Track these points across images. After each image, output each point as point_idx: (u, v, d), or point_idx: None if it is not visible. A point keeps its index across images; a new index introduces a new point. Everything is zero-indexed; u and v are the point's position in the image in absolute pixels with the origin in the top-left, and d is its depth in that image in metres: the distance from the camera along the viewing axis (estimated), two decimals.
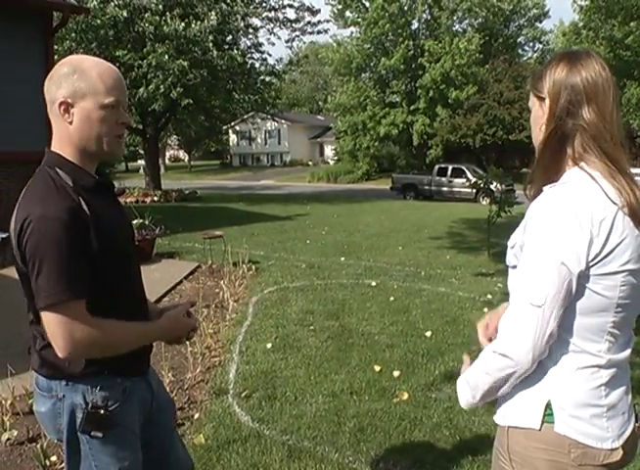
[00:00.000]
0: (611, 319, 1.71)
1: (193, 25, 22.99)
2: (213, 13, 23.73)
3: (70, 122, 2.00)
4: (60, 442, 2.12)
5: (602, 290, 1.67)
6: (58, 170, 2.00)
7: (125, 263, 2.12)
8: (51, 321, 1.88)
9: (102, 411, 2.00)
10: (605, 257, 1.65)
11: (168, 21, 22.65)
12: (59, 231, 1.85)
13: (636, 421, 1.85)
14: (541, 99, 1.81)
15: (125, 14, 22.14)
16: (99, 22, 22.02)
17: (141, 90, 23.24)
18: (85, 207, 1.95)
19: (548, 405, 1.73)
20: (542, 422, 1.72)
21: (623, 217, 1.66)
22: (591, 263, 1.64)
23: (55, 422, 2.07)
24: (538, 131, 1.83)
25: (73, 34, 22.43)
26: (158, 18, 22.76)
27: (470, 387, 1.88)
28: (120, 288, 2.07)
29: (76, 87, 1.97)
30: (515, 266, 1.79)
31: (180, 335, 2.28)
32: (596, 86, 1.75)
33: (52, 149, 2.06)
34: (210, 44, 23.57)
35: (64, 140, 2.04)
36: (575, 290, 1.66)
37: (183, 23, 22.73)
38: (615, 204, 1.66)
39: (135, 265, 2.24)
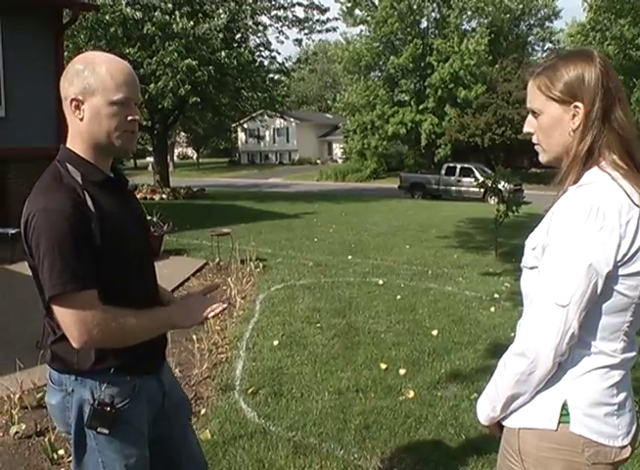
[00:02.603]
0: (628, 319, 1.72)
1: (202, 24, 23.01)
2: (222, 10, 23.74)
3: (81, 119, 2.02)
4: (68, 435, 2.13)
5: (625, 290, 1.68)
6: (68, 165, 2.03)
7: (133, 260, 2.13)
8: (60, 312, 1.91)
9: (108, 409, 2.02)
10: (631, 258, 1.65)
11: (177, 19, 22.64)
12: (60, 223, 1.87)
13: (639, 418, 1.87)
14: (565, 102, 1.76)
15: (139, 14, 22.13)
16: (107, 18, 22.04)
17: (151, 86, 23.26)
18: (90, 202, 1.97)
19: (564, 405, 1.73)
20: (559, 422, 1.72)
21: None
22: (618, 264, 1.65)
23: (64, 415, 2.09)
24: (559, 136, 1.78)
25: (84, 31, 22.49)
26: (167, 17, 22.75)
27: (489, 399, 1.87)
28: (128, 285, 2.08)
29: (86, 84, 1.99)
30: (533, 267, 1.78)
31: (197, 316, 2.18)
32: (620, 87, 1.75)
33: (67, 145, 2.09)
34: (220, 42, 23.59)
35: (76, 136, 2.07)
36: (601, 290, 1.66)
37: (192, 22, 22.73)
38: (637, 205, 1.66)
39: (146, 262, 2.25)
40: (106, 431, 2.02)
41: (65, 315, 1.91)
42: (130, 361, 2.05)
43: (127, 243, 2.09)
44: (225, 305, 2.21)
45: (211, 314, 2.18)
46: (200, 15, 24.14)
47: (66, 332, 1.93)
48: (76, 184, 1.99)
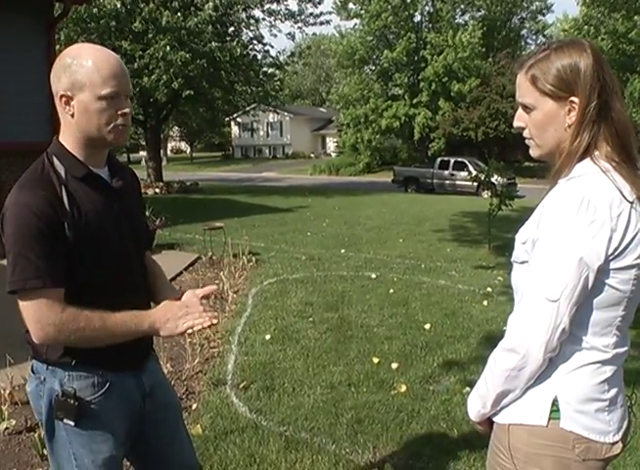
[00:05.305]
0: (620, 313, 1.70)
1: (192, 17, 22.96)
2: (211, 3, 23.69)
3: (72, 115, 1.99)
4: (42, 423, 2.14)
5: (617, 284, 1.66)
6: (54, 159, 2.03)
7: (115, 258, 2.08)
8: (21, 307, 1.93)
9: (71, 401, 2.01)
10: (622, 251, 1.63)
11: (168, 12, 22.53)
12: (28, 219, 1.87)
13: (629, 414, 1.85)
14: (560, 98, 1.70)
15: (119, 5, 22.05)
16: (96, 11, 21.93)
17: (145, 80, 23.18)
18: (66, 199, 1.96)
19: (554, 401, 1.71)
20: (549, 418, 1.71)
21: (636, 210, 1.65)
22: (610, 258, 1.62)
23: (37, 403, 2.10)
24: (554, 131, 1.73)
25: (71, 25, 22.34)
26: (155, 8, 22.67)
27: (480, 395, 1.84)
28: (105, 279, 2.04)
29: (74, 79, 1.95)
30: (524, 262, 1.75)
31: (176, 326, 2.05)
32: (614, 77, 1.71)
33: (59, 138, 2.08)
34: (211, 35, 23.53)
35: (66, 131, 2.05)
36: (592, 285, 1.63)
37: (181, 15, 22.65)
38: (628, 198, 1.64)
39: (133, 260, 2.20)
40: (71, 423, 2.02)
41: (24, 311, 1.93)
42: (103, 357, 2.02)
43: (106, 241, 2.05)
44: (215, 321, 2.08)
45: (196, 328, 2.06)
46: (192, 9, 24.07)
47: (27, 326, 1.95)
48: (56, 179, 1.98)
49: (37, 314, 1.90)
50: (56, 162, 2.02)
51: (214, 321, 2.07)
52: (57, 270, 1.91)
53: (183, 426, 2.49)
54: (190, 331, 2.07)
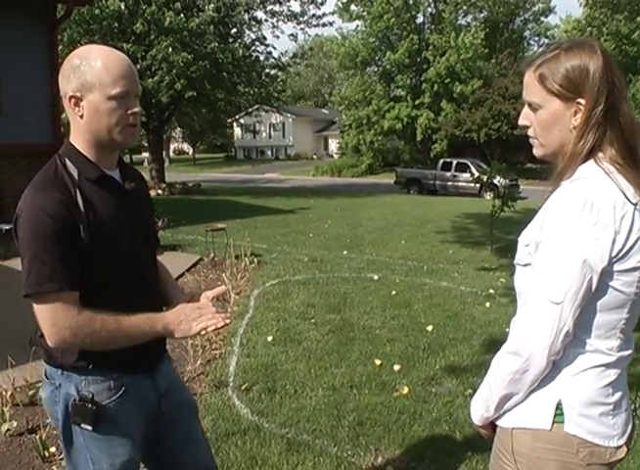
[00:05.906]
0: (624, 316, 1.68)
1: (194, 18, 22.99)
2: (213, 4, 23.72)
3: (81, 116, 1.99)
4: (57, 429, 2.12)
5: (620, 286, 1.64)
6: (67, 160, 2.02)
7: (127, 261, 2.07)
8: (36, 310, 1.92)
9: (89, 405, 2.00)
10: (626, 253, 1.61)
11: (171, 13, 22.56)
12: (44, 221, 1.86)
13: (634, 417, 1.84)
14: (568, 99, 1.68)
15: (123, 7, 22.08)
16: (98, 12, 21.95)
17: (149, 81, 23.20)
18: (81, 200, 1.94)
19: (558, 405, 1.69)
20: (553, 422, 1.69)
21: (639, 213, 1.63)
22: (613, 260, 1.61)
23: (52, 409, 2.09)
24: (559, 132, 1.71)
25: (74, 26, 22.37)
26: (157, 9, 22.69)
27: (483, 399, 1.83)
28: (118, 281, 2.03)
29: (83, 80, 1.95)
30: (527, 264, 1.73)
31: (190, 328, 2.04)
32: (622, 80, 1.70)
33: (70, 139, 2.07)
34: (213, 36, 23.55)
35: (77, 132, 2.04)
36: (596, 287, 1.62)
37: (183, 16, 22.68)
38: (631, 200, 1.62)
39: (144, 263, 2.20)
40: (89, 427, 2.00)
41: (40, 314, 1.92)
42: (118, 359, 2.01)
43: (119, 244, 2.05)
44: (228, 322, 2.06)
45: (210, 329, 2.04)
46: (195, 10, 24.11)
47: (42, 329, 1.94)
48: (70, 181, 1.97)
49: (53, 318, 1.89)
50: (68, 163, 2.01)
51: (227, 322, 2.06)
52: (72, 273, 1.90)
53: (198, 425, 2.48)
54: (203, 332, 2.06)
